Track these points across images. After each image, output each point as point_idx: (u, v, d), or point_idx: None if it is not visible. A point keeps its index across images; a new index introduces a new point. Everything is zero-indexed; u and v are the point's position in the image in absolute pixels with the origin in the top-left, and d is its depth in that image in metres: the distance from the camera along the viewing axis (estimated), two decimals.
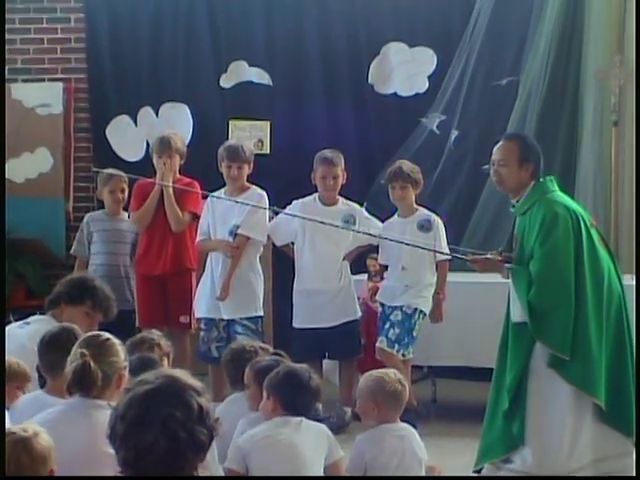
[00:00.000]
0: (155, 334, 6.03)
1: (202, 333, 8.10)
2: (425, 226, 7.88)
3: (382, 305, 7.98)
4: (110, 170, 8.57)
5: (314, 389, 5.44)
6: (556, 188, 6.56)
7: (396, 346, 7.78)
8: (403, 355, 7.80)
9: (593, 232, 6.48)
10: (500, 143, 6.64)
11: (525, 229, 6.45)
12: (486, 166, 6.74)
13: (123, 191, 8.40)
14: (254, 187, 8.11)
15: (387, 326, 7.83)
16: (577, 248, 6.32)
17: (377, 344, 7.84)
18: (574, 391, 6.31)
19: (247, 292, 8.04)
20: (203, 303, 8.10)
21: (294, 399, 5.36)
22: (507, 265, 6.49)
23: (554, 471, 6.29)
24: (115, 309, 6.65)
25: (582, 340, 6.27)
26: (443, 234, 7.90)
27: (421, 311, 7.85)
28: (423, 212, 7.97)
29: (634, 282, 7.79)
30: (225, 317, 8.01)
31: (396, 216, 8.03)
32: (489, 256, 6.68)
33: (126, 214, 8.46)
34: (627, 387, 6.40)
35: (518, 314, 6.39)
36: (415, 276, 7.84)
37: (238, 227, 7.98)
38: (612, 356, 6.39)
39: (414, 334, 7.83)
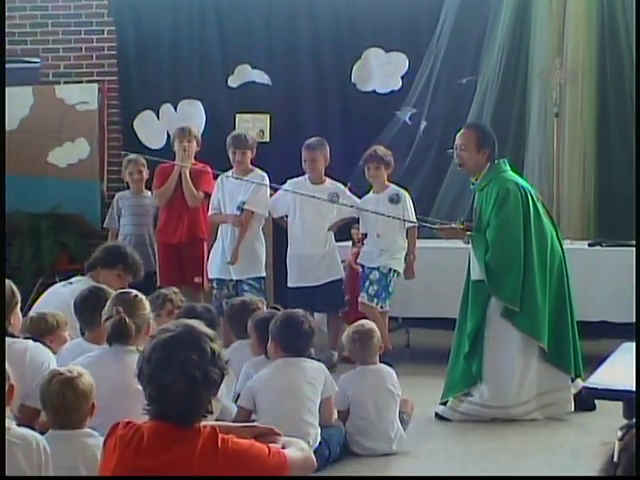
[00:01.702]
0: (170, 290, 6.03)
1: (215, 291, 8.10)
2: (394, 199, 7.87)
3: (362, 266, 7.98)
4: (135, 155, 8.61)
5: (307, 332, 5.42)
6: (508, 168, 6.56)
7: (375, 300, 7.78)
8: (381, 307, 7.80)
9: (539, 205, 6.49)
10: (461, 131, 6.63)
11: (483, 203, 6.45)
12: (450, 150, 6.72)
13: (140, 172, 8.47)
14: (257, 169, 8.10)
15: (367, 284, 7.83)
16: (525, 218, 6.33)
17: (359, 299, 7.84)
18: (523, 337, 6.33)
19: (252, 257, 8.04)
20: (215, 266, 8.10)
21: (290, 342, 5.35)
22: (468, 233, 6.50)
23: (506, 403, 6.32)
24: (142, 272, 6.67)
25: (529, 294, 6.29)
26: (409, 205, 7.89)
27: (395, 270, 7.85)
28: (393, 188, 7.97)
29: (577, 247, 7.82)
30: (234, 278, 8.01)
31: (371, 192, 8.02)
32: (453, 225, 6.70)
33: (148, 192, 8.49)
34: (566, 332, 6.43)
35: (477, 273, 6.40)
36: (388, 241, 7.83)
37: (244, 203, 7.97)
38: (554, 307, 6.41)
39: (390, 290, 7.83)
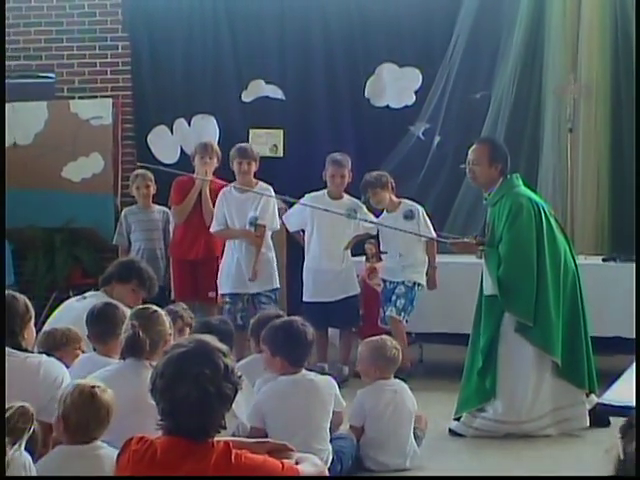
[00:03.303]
0: (180, 307, 5.97)
1: (228, 306, 8.02)
2: (409, 216, 7.87)
3: (384, 281, 7.97)
4: (144, 170, 8.61)
5: (307, 340, 5.26)
6: (521, 183, 6.55)
7: (402, 314, 7.80)
8: (406, 321, 7.80)
9: (552, 220, 6.48)
10: (474, 146, 6.63)
11: (495, 217, 6.44)
12: (463, 165, 6.72)
13: (148, 187, 8.46)
14: (261, 182, 8.10)
15: (394, 298, 7.82)
16: (538, 233, 6.32)
17: (387, 313, 7.83)
18: (536, 352, 6.31)
19: (268, 269, 8.04)
20: (229, 281, 8.04)
21: (290, 352, 5.23)
22: (480, 247, 6.49)
23: (520, 418, 6.30)
24: (157, 287, 6.67)
25: (543, 309, 6.27)
26: (424, 219, 7.89)
27: (419, 284, 7.86)
28: (407, 204, 7.96)
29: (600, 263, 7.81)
30: (251, 291, 7.98)
31: (385, 212, 8.03)
32: (466, 240, 6.70)
33: (156, 206, 8.49)
34: (580, 347, 6.40)
35: (489, 288, 6.39)
36: (410, 258, 7.82)
37: (257, 219, 7.96)
38: (567, 322, 6.39)
39: (414, 304, 7.84)
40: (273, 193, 8.04)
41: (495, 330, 6.34)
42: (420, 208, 7.94)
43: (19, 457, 3.40)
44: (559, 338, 6.30)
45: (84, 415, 3.82)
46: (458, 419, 6.43)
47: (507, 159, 6.52)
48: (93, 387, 3.90)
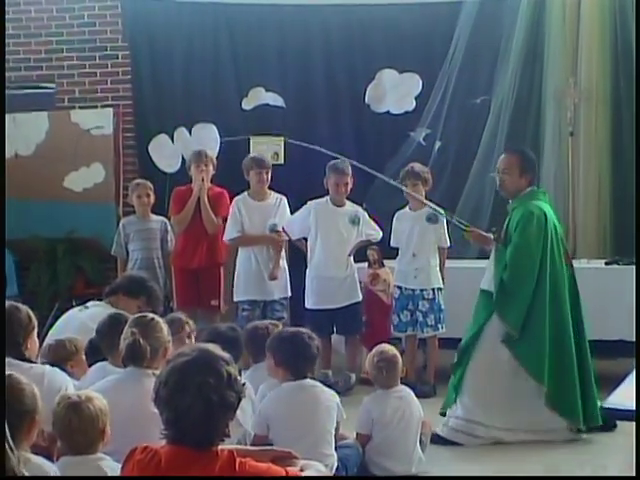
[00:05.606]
0: (182, 315, 5.98)
1: (246, 313, 8.06)
2: (432, 219, 7.86)
3: (399, 288, 7.94)
4: (144, 179, 8.69)
5: (312, 353, 5.24)
6: (545, 199, 6.55)
7: (440, 325, 7.82)
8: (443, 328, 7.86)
9: (561, 246, 6.44)
10: (504, 155, 6.67)
11: (511, 222, 6.44)
12: (492, 173, 6.72)
13: (148, 196, 8.47)
14: (274, 192, 8.18)
15: (421, 318, 7.82)
16: (544, 247, 6.30)
17: (425, 335, 7.86)
18: (514, 362, 6.28)
19: (284, 276, 8.16)
20: (248, 287, 8.12)
21: (294, 364, 5.22)
22: (494, 238, 6.50)
23: (492, 423, 6.25)
24: (161, 307, 6.67)
25: (535, 327, 6.22)
26: (445, 225, 7.89)
27: (439, 288, 7.86)
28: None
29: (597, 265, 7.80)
30: (268, 298, 8.06)
31: (407, 209, 8.01)
32: (485, 234, 6.70)
33: (154, 216, 8.49)
34: (571, 377, 6.29)
35: (487, 282, 6.38)
36: (423, 260, 7.79)
37: (276, 225, 8.06)
38: (559, 347, 6.28)
39: (442, 307, 7.84)
40: (286, 202, 8.16)
41: (480, 328, 6.35)
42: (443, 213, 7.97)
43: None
44: (545, 361, 6.23)
45: (65, 426, 3.82)
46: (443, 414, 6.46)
47: (535, 170, 6.56)
48: (70, 398, 3.89)
